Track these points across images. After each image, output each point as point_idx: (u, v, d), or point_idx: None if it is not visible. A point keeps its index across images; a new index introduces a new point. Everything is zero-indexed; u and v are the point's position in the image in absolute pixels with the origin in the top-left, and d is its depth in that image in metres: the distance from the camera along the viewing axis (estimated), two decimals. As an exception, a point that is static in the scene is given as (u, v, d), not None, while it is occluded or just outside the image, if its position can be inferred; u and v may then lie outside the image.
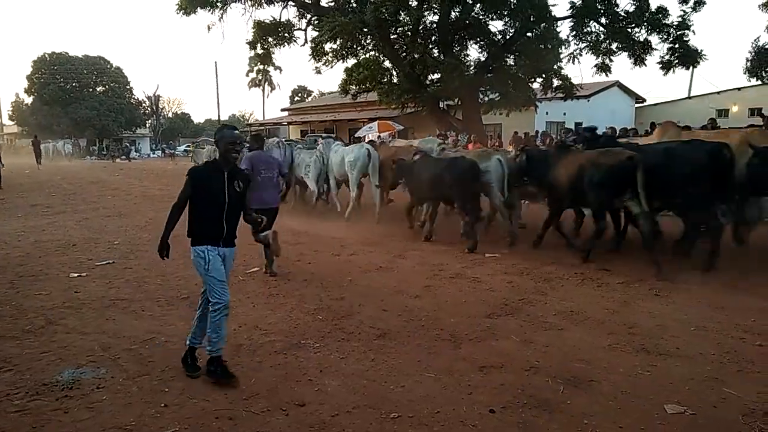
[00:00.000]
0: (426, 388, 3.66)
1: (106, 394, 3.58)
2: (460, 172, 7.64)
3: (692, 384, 3.64)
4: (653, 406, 3.36)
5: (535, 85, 20.65)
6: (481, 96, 20.47)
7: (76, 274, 6.60)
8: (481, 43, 20.01)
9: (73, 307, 5.35)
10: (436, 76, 19.82)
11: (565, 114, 25.58)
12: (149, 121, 58.44)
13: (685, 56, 17.75)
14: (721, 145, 6.47)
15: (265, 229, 4.97)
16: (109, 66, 53.16)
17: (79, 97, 49.56)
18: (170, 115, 65.03)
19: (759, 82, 26.72)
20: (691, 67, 18.74)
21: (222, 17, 21.13)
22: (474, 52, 20.81)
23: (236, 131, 4.03)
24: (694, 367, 3.91)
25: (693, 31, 17.50)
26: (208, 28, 21.83)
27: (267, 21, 20.94)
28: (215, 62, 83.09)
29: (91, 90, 51.46)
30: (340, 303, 5.43)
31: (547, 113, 25.13)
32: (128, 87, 54.66)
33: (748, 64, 27.60)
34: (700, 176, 6.26)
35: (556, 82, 19.65)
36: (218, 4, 20.31)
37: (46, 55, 50.16)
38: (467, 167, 7.71)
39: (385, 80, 20.66)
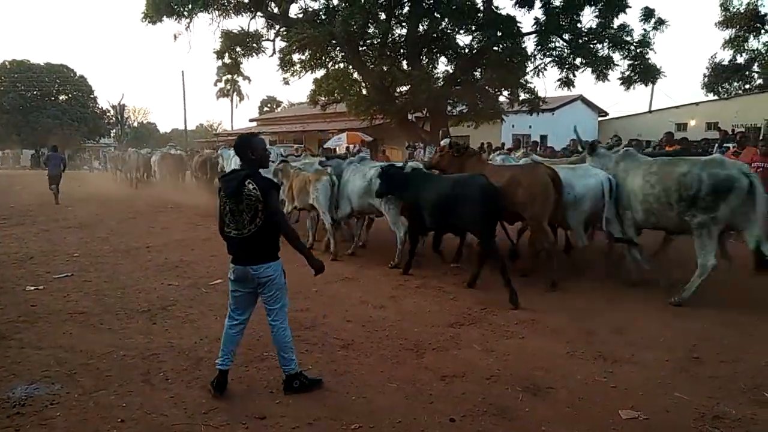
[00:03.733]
0: (388, 398, 3.67)
1: (60, 410, 3.49)
2: None
3: (646, 390, 3.75)
4: (608, 412, 3.45)
5: (502, 98, 21.04)
6: (450, 108, 20.74)
7: (32, 287, 6.41)
8: (450, 56, 20.34)
9: (29, 321, 5.19)
10: (405, 88, 20.00)
11: (530, 127, 26.07)
12: (113, 130, 57.17)
13: (645, 73, 18.36)
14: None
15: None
16: (72, 74, 51.81)
17: (40, 105, 48.06)
18: (135, 124, 63.81)
19: (716, 97, 27.88)
20: (650, 83, 19.36)
21: (189, 26, 20.98)
22: (442, 65, 21.14)
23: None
24: (649, 373, 4.02)
25: (653, 50, 18.14)
26: (175, 37, 21.63)
27: (235, 31, 20.81)
28: (182, 72, 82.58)
29: (53, 99, 50.03)
30: (304, 314, 5.40)
31: (513, 126, 25.56)
32: (92, 96, 53.35)
33: (706, 79, 28.84)
34: None
35: (522, 96, 20.07)
36: (185, 13, 20.10)
37: (6, 63, 48.74)
38: None
39: (354, 92, 20.74)
